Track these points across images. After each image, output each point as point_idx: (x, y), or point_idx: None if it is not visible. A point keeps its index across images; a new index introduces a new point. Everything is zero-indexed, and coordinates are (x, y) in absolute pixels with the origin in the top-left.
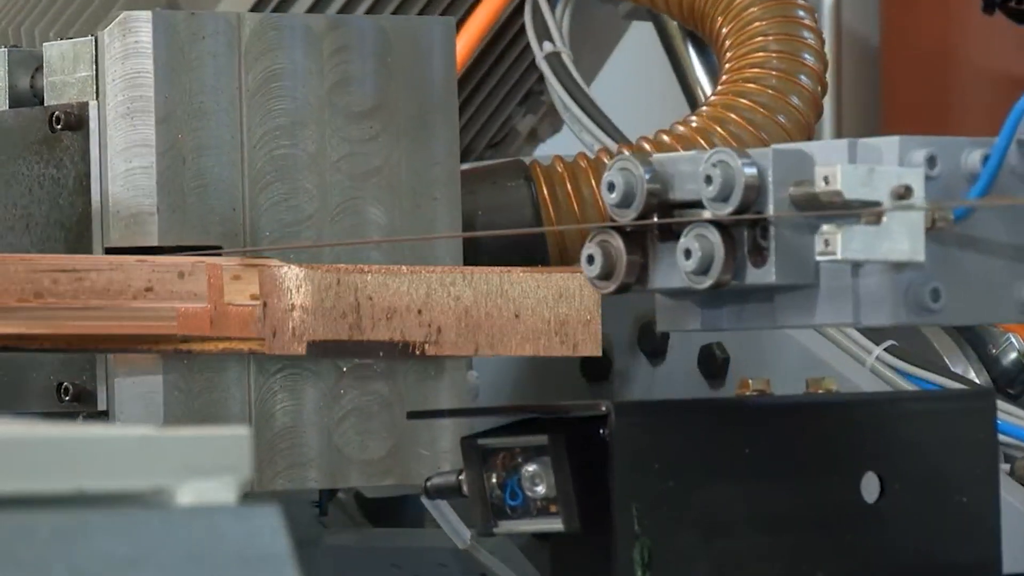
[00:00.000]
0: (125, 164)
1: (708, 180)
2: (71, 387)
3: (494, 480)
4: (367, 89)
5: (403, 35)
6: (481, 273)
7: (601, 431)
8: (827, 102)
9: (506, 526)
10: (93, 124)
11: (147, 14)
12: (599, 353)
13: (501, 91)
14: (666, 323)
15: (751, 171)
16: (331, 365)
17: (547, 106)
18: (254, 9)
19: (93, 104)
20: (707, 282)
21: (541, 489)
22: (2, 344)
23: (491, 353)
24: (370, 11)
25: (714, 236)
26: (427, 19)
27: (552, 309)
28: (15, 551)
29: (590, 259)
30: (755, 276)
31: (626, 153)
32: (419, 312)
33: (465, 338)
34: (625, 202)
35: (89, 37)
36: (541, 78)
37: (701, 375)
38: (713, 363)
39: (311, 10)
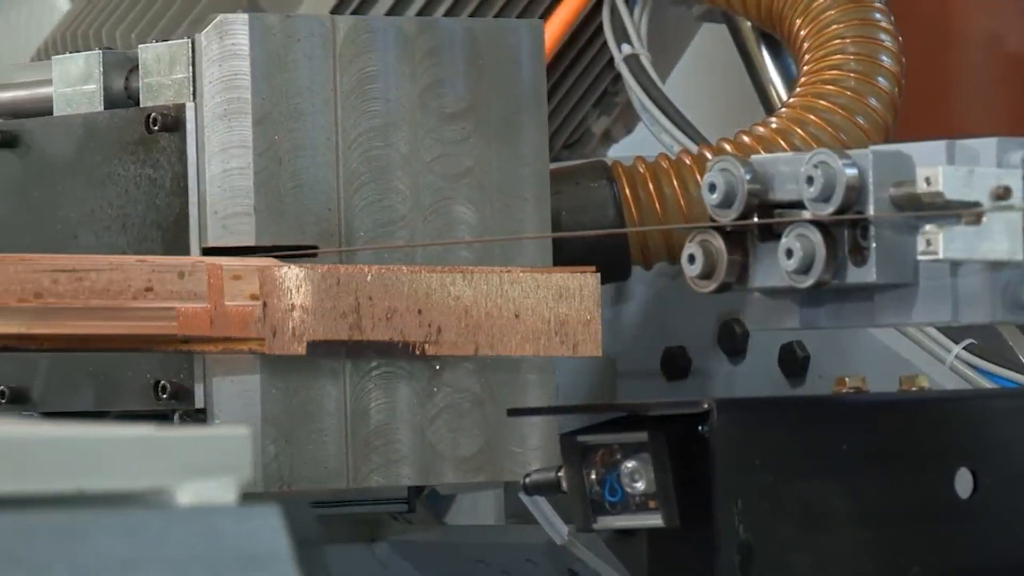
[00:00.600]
0: (222, 165)
1: (809, 181)
2: (168, 385)
3: (593, 476)
4: (458, 91)
5: (492, 37)
6: (481, 273)
7: (700, 428)
8: None
9: (605, 522)
10: (190, 125)
11: (244, 17)
12: (599, 354)
13: (577, 92)
14: (763, 322)
15: (852, 172)
16: (424, 364)
17: (620, 107)
18: (335, 10)
19: (190, 106)
20: (808, 281)
21: (640, 485)
22: (2, 344)
23: (491, 353)
24: (449, 12)
25: (815, 236)
26: (516, 22)
27: (552, 309)
28: (15, 551)
29: (691, 259)
30: (856, 275)
31: (726, 153)
32: (419, 312)
33: (465, 338)
34: (726, 202)
35: (185, 39)
36: (616, 79)
37: (781, 373)
38: (793, 361)
39: (391, 11)
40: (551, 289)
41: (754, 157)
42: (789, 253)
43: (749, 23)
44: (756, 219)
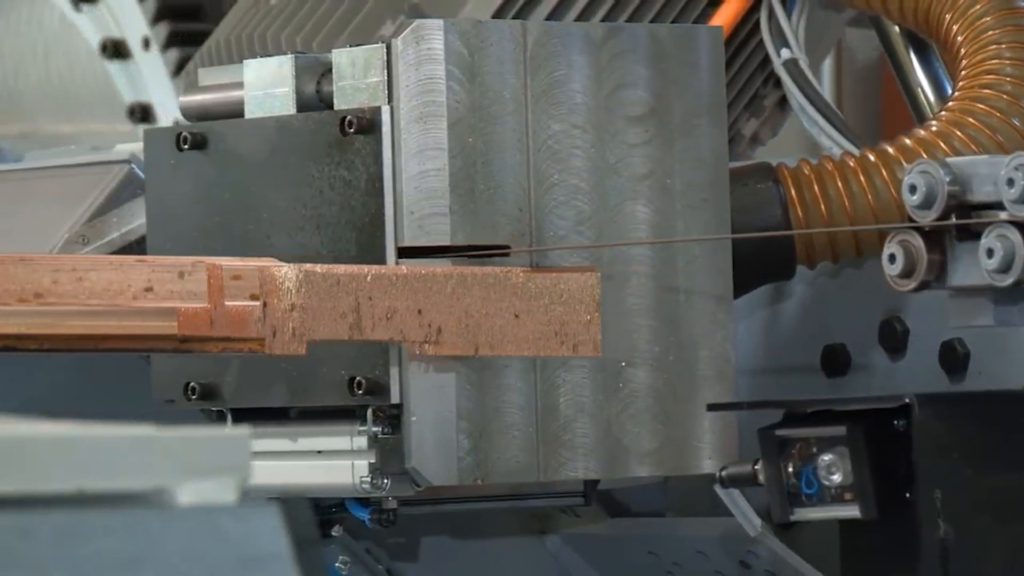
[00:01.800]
0: (418, 167)
1: (1010, 183)
2: (364, 381)
3: (790, 469)
4: (642, 94)
5: (674, 42)
6: (481, 273)
7: (897, 422)
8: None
9: (802, 513)
10: (385, 128)
11: (439, 22)
12: (598, 354)
13: (729, 96)
14: (958, 319)
15: None
16: (612, 359)
17: (769, 110)
18: (497, 14)
19: (385, 108)
20: (1008, 280)
21: (837, 478)
22: (2, 344)
23: (491, 353)
24: (607, 17)
25: (1015, 236)
26: (697, 27)
27: (552, 309)
28: (15, 551)
29: (891, 258)
30: None
31: (923, 157)
32: (419, 312)
33: (465, 338)
34: (926, 204)
35: (380, 44)
36: (765, 82)
37: (942, 370)
38: (954, 358)
39: (550, 16)
40: (551, 290)
41: (952, 159)
42: (990, 253)
43: (897, 28)
44: (954, 219)
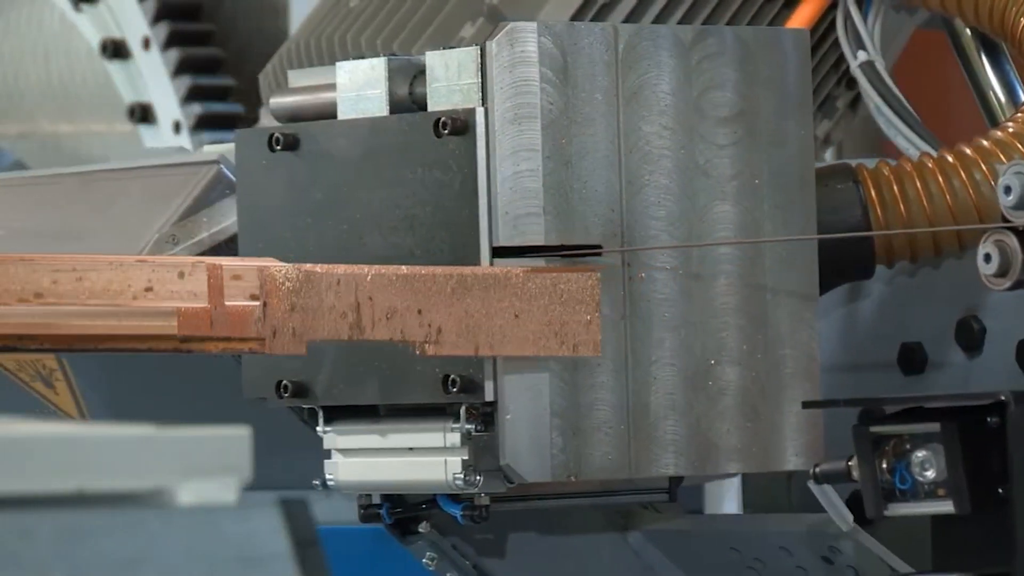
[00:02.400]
0: (512, 167)
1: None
2: (458, 379)
3: (884, 465)
4: (730, 96)
5: (762, 44)
6: (481, 273)
7: (990, 419)
8: None
9: (895, 509)
10: (479, 129)
11: (532, 25)
12: (598, 353)
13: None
14: None
15: None
16: (701, 357)
17: (842, 111)
18: (576, 17)
19: (480, 110)
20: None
21: (931, 474)
22: (2, 344)
23: (491, 353)
24: (685, 18)
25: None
26: (783, 30)
27: (552, 310)
28: (15, 551)
29: (987, 258)
30: None
31: (1001, 159)
32: (419, 312)
33: (465, 338)
34: (1021, 204)
35: (474, 47)
36: (838, 84)
37: (1019, 368)
38: None
39: (629, 18)
40: (551, 290)
41: None
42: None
43: (968, 31)
44: None
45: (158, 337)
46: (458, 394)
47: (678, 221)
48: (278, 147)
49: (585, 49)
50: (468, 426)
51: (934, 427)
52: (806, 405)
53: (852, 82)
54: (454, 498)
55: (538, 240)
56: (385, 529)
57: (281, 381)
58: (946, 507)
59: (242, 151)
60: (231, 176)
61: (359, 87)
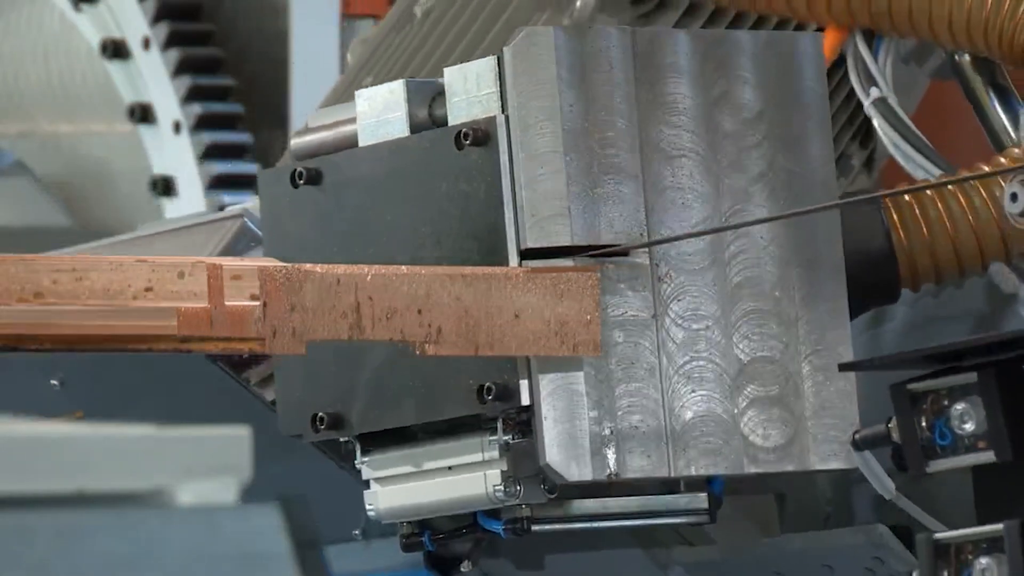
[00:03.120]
0: (535, 170)
1: (1013, 197)
2: (493, 387)
3: (923, 423)
4: (750, 98)
5: (778, 47)
6: (481, 273)
7: None
8: None
9: (936, 465)
10: (501, 134)
11: (548, 29)
12: (598, 353)
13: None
14: None
15: None
16: (733, 358)
17: (856, 169)
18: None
19: (500, 117)
20: None
21: (970, 426)
22: (2, 344)
23: (491, 353)
24: (732, 25)
25: None
26: (798, 33)
27: (552, 309)
28: (15, 551)
29: (1014, 197)
30: None
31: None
32: (419, 312)
33: (465, 338)
34: None
35: (490, 57)
36: (852, 139)
37: None
38: None
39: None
40: (551, 289)
41: None
42: None
43: (980, 77)
44: None
45: (158, 337)
46: (494, 402)
47: (703, 223)
48: (301, 181)
49: (602, 51)
50: (505, 437)
51: (971, 378)
52: (843, 368)
53: (866, 140)
54: (494, 514)
55: (565, 240)
56: (427, 569)
57: (316, 415)
58: (987, 457)
59: (265, 191)
60: (255, 229)
61: (379, 112)
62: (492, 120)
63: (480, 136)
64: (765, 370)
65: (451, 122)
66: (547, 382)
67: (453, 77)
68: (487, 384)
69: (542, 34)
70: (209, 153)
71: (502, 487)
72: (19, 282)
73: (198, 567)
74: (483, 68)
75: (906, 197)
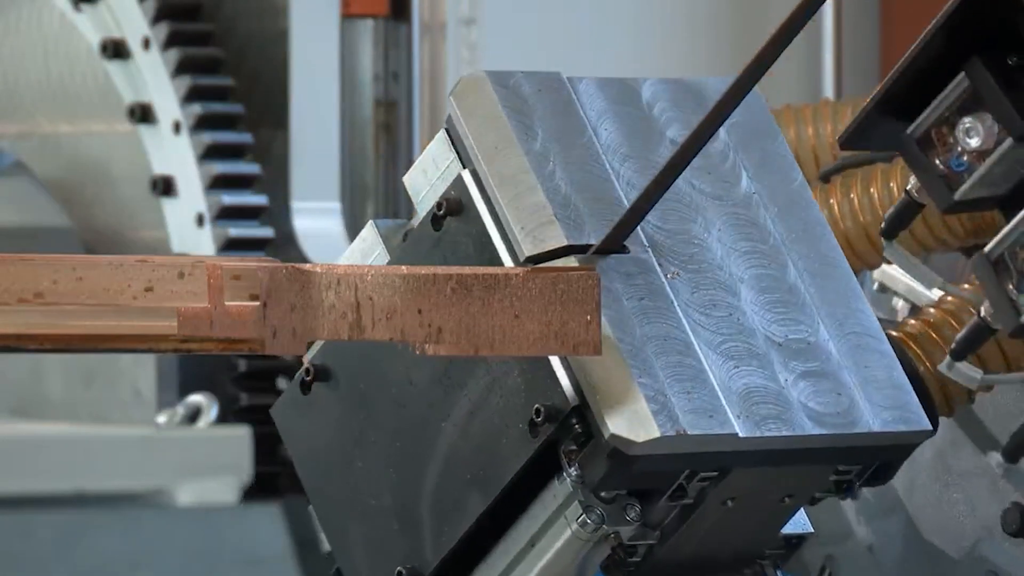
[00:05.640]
0: (512, 190)
1: None
2: (541, 409)
3: (938, 161)
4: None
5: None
6: (481, 273)
7: (1009, 59)
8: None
9: (965, 193)
10: (473, 191)
11: (481, 73)
12: (599, 354)
13: None
14: None
15: None
16: (767, 339)
17: None
18: None
19: (465, 174)
20: None
21: (975, 141)
22: (2, 344)
23: (491, 353)
24: None
25: None
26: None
27: (552, 309)
28: (15, 551)
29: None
30: None
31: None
32: (419, 312)
33: (465, 338)
34: None
35: (439, 132)
36: None
37: None
38: None
39: None
40: (551, 290)
41: None
42: None
43: None
44: None
45: (158, 337)
46: (547, 424)
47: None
48: (308, 378)
49: (541, 92)
50: (572, 471)
51: (962, 82)
52: (842, 142)
53: None
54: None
55: (560, 242)
56: None
57: (399, 570)
58: (1003, 148)
59: (282, 421)
60: None
61: (362, 260)
62: (459, 181)
63: (454, 204)
64: (803, 348)
65: (421, 211)
66: (587, 370)
67: (413, 177)
68: (536, 407)
69: (477, 78)
70: (209, 153)
71: (584, 519)
72: (19, 282)
73: (198, 567)
74: (436, 145)
75: (917, 328)
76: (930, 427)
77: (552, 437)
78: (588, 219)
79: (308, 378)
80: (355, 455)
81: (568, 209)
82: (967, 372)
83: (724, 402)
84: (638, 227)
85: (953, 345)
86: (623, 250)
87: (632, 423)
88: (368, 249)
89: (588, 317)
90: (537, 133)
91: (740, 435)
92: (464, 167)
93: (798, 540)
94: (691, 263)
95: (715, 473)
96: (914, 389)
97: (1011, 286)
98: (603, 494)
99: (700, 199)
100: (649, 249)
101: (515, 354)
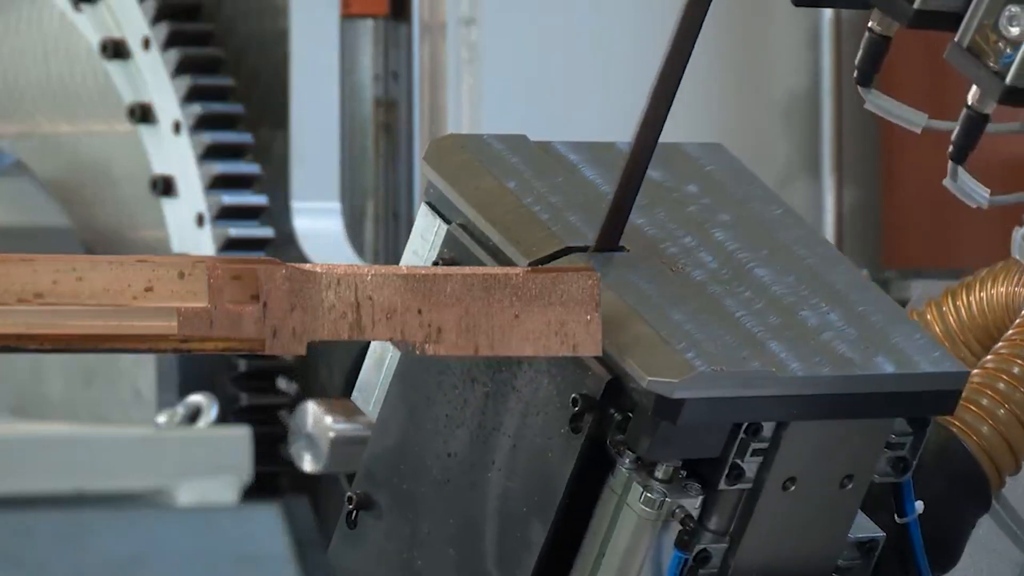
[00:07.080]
0: (498, 214)
1: None
2: (579, 399)
3: (991, 64)
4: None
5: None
6: (481, 273)
7: None
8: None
9: (922, 1)
10: (466, 240)
11: (448, 135)
12: (599, 353)
13: None
14: None
15: None
16: (797, 320)
17: None
18: None
19: (454, 228)
20: None
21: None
22: (2, 344)
23: (491, 353)
24: None
25: None
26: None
27: (552, 309)
28: (15, 551)
29: None
30: None
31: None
32: (419, 312)
33: (465, 338)
34: None
35: (421, 205)
36: None
37: None
38: None
39: None
40: (551, 290)
41: None
42: None
43: None
44: None
45: (158, 337)
46: (587, 413)
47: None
48: (351, 507)
49: (511, 149)
50: (624, 460)
51: None
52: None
53: None
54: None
55: (559, 245)
56: None
57: None
58: None
59: (339, 561)
60: None
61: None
62: (449, 236)
63: (449, 263)
64: (833, 323)
65: None
66: (614, 337)
67: (407, 260)
68: (570, 406)
69: (447, 138)
70: (209, 153)
71: (645, 498)
72: (20, 282)
73: (198, 567)
74: (420, 220)
75: (972, 414)
76: (967, 369)
77: (595, 432)
78: (583, 226)
79: (351, 507)
80: (414, 556)
81: (561, 222)
82: (973, 186)
83: (765, 342)
84: (638, 231)
85: (950, 148)
86: (622, 250)
87: (669, 367)
88: (375, 369)
89: (588, 317)
90: (517, 171)
91: (779, 373)
92: (449, 223)
93: (872, 544)
94: (695, 263)
95: (767, 441)
96: (972, 479)
97: (991, 64)
98: (659, 474)
99: (694, 215)
100: (649, 249)
101: (515, 354)
